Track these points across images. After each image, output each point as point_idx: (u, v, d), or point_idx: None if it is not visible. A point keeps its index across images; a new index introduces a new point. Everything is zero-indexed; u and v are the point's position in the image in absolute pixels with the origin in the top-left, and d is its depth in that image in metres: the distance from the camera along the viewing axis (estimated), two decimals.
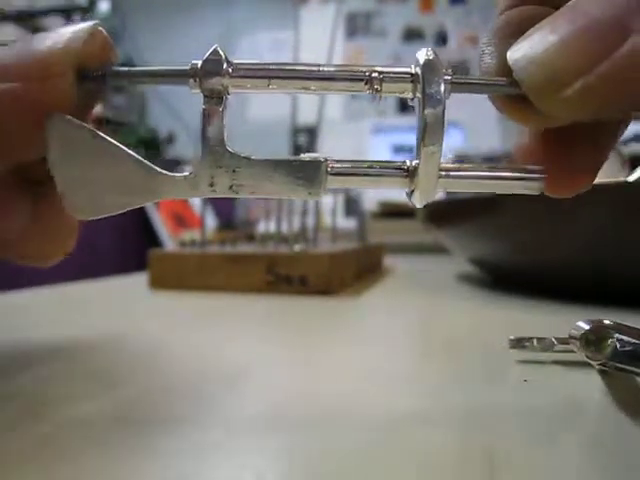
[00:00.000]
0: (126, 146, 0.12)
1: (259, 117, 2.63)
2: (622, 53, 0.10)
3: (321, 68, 0.12)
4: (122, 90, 2.54)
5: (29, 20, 2.37)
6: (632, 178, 0.32)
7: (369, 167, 0.13)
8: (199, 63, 0.12)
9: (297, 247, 0.36)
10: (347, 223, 0.64)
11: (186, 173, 0.12)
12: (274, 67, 0.12)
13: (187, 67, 0.12)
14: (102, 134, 0.12)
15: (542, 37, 0.11)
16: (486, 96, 0.14)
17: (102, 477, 0.10)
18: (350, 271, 0.38)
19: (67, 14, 2.08)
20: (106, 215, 0.13)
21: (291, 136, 2.29)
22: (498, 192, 0.13)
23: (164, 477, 0.10)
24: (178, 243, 0.41)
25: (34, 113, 0.12)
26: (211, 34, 3.05)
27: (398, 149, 2.61)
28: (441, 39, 2.84)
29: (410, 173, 0.12)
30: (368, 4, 2.91)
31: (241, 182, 0.12)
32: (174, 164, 2.41)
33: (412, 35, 2.87)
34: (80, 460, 0.10)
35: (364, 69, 0.12)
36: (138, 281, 0.40)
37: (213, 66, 0.12)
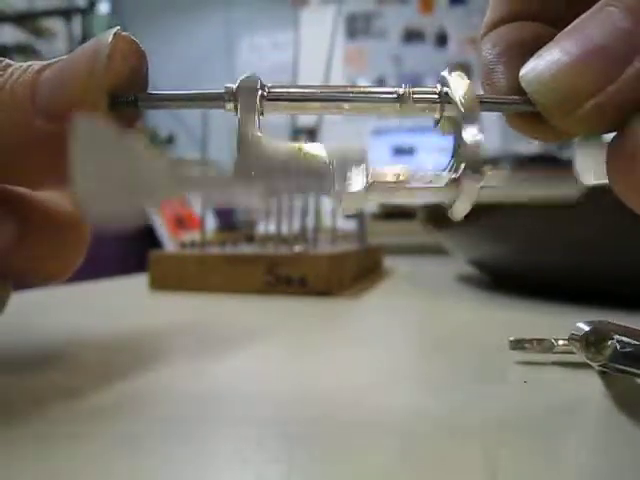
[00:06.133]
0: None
1: None
2: (629, 74, 0.11)
3: (354, 90, 0.13)
4: None
5: (29, 21, 2.37)
6: None
7: (409, 181, 0.13)
8: (234, 87, 0.12)
9: (297, 248, 0.36)
10: (347, 224, 0.64)
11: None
12: (307, 90, 0.13)
13: (222, 91, 0.12)
14: (129, 136, 0.12)
15: (552, 60, 0.12)
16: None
17: (99, 477, 0.10)
18: (350, 272, 0.38)
19: (67, 15, 2.08)
20: (127, 223, 0.12)
21: (291, 137, 2.29)
22: (535, 201, 0.14)
23: (164, 478, 0.10)
24: (178, 244, 0.41)
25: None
26: (211, 35, 3.05)
27: (398, 150, 2.61)
28: (441, 40, 2.85)
29: (450, 185, 0.13)
30: (368, 5, 2.91)
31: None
32: None
33: (412, 36, 2.88)
34: (76, 459, 0.10)
35: (394, 90, 0.13)
36: (138, 282, 0.40)
37: (248, 89, 0.12)
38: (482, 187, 0.13)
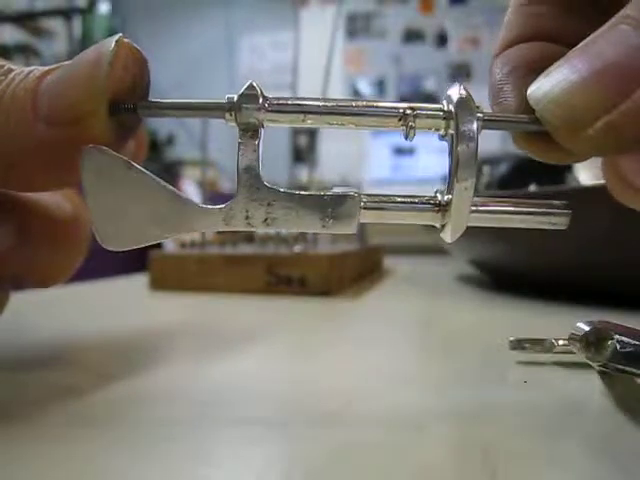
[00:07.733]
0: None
1: None
2: None
3: (356, 104, 0.13)
4: None
5: (29, 21, 2.37)
6: None
7: (400, 202, 0.13)
8: (235, 97, 0.12)
9: (297, 248, 0.36)
10: None
11: (221, 206, 0.12)
12: (309, 102, 0.12)
13: (223, 101, 0.12)
14: (137, 166, 0.12)
15: (561, 77, 0.12)
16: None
17: (99, 477, 0.10)
18: (350, 272, 0.38)
19: (67, 15, 2.08)
20: (138, 246, 0.13)
21: (291, 137, 2.28)
22: (525, 227, 0.13)
23: (163, 478, 0.10)
24: (178, 244, 0.41)
25: (69, 154, 0.12)
26: (211, 35, 3.05)
27: (398, 151, 2.61)
28: (441, 40, 2.85)
29: (442, 208, 0.13)
30: (368, 5, 2.91)
31: (275, 215, 0.12)
32: (175, 165, 2.41)
33: (412, 36, 2.88)
34: (76, 459, 0.10)
35: (398, 106, 0.12)
36: (138, 282, 0.40)
37: (249, 101, 0.12)
38: (473, 212, 0.13)
